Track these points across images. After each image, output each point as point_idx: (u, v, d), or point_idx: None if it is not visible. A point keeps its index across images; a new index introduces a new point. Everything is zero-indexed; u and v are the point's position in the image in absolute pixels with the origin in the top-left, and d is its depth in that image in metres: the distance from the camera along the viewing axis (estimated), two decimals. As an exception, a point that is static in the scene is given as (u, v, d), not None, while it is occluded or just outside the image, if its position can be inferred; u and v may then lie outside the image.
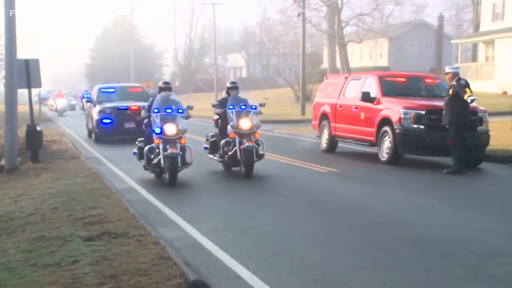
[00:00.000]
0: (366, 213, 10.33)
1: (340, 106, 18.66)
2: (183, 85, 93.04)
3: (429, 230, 9.09)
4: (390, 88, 17.08)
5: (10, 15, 16.02)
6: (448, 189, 13.09)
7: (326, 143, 19.48)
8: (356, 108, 17.63)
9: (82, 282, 6.43)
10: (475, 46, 52.73)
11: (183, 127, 13.15)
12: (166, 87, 14.34)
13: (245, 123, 13.93)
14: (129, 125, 22.79)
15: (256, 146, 13.98)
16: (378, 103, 16.65)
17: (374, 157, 16.88)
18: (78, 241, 8.04)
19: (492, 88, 43.80)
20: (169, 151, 12.58)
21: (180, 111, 13.37)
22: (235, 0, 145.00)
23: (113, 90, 26.20)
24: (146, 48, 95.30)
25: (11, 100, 16.29)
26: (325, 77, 22.47)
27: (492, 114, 18.83)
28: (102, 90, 26.14)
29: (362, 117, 17.29)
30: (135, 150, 14.40)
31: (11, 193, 12.37)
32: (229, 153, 14.14)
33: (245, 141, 13.74)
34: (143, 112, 14.26)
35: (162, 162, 12.81)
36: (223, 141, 14.19)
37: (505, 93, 41.13)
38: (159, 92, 14.14)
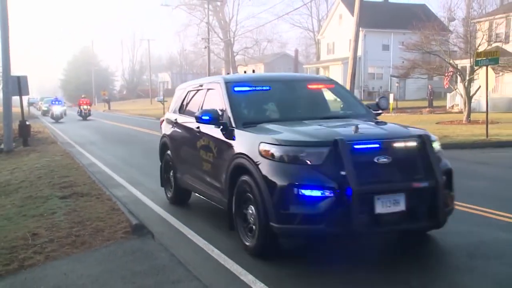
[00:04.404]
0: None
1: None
2: (128, 93, 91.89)
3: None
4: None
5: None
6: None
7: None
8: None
9: (58, 226, 6.28)
10: (317, 69, 54.19)
11: None
12: None
13: None
14: (396, 207, 3.90)
15: None
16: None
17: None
18: (55, 199, 7.82)
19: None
20: None
21: None
22: (163, 36, 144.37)
23: (267, 88, 6.13)
24: (103, 68, 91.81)
25: (7, 104, 15.99)
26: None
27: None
28: (236, 88, 5.73)
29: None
30: None
31: (8, 167, 11.88)
32: None
33: None
34: None
35: None
36: None
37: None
38: None
